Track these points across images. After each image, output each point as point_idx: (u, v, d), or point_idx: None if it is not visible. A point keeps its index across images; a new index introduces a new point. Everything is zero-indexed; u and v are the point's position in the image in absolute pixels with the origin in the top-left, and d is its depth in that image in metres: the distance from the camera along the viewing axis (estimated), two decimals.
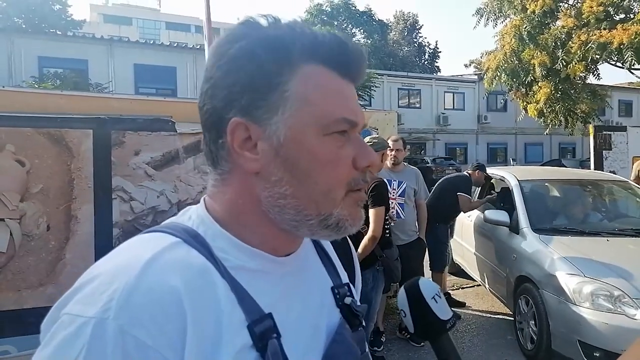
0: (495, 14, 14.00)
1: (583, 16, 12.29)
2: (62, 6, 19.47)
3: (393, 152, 4.02)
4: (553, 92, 13.49)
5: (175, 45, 19.47)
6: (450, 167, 18.01)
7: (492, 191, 5.52)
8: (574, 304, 3.27)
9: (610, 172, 6.64)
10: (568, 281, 3.38)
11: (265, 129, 0.55)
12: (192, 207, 0.62)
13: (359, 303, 0.71)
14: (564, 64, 12.38)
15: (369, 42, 33.31)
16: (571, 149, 29.03)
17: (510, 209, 4.48)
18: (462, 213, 5.08)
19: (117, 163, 2.83)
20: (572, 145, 28.71)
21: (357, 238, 3.40)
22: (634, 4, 12.36)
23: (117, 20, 36.84)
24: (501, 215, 4.40)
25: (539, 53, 12.96)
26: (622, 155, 7.38)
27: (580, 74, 13.23)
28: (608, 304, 3.17)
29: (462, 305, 4.98)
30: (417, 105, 25.34)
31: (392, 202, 3.94)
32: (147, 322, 0.47)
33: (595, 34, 11.76)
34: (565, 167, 13.99)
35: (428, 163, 19.17)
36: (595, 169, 7.05)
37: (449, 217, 4.86)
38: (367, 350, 0.70)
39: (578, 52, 12.00)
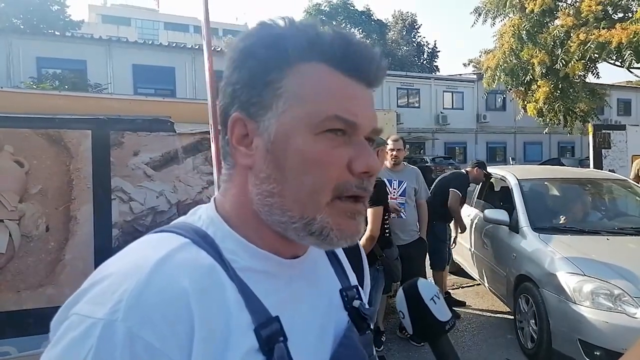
0: (493, 13, 14.00)
1: (582, 15, 12.29)
2: (61, 7, 19.42)
3: (394, 152, 4.02)
4: (552, 91, 13.49)
5: (174, 45, 19.45)
6: (450, 167, 17.97)
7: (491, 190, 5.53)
8: (574, 303, 3.27)
9: (609, 170, 6.64)
10: (568, 280, 3.38)
11: (259, 125, 0.56)
12: (202, 207, 0.62)
13: (367, 306, 0.70)
14: (564, 63, 12.38)
15: (368, 42, 33.25)
16: (570, 148, 29.05)
17: (510, 208, 4.47)
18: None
19: (116, 163, 2.82)
20: (571, 144, 28.72)
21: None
22: (632, 3, 12.36)
23: (115, 20, 36.81)
24: (501, 215, 4.40)
25: (538, 52, 12.96)
26: (621, 153, 7.39)
27: (580, 73, 13.23)
28: (608, 302, 3.17)
29: (462, 304, 4.98)
30: (416, 105, 25.34)
31: (393, 202, 3.94)
32: (155, 324, 0.46)
33: (594, 33, 11.76)
34: (565, 166, 14.00)
35: (427, 162, 19.15)
36: (594, 168, 7.06)
37: (445, 215, 4.80)
38: (374, 353, 0.69)
39: (577, 51, 12.00)
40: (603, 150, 7.39)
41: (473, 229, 5.19)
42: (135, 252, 0.54)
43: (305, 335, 0.58)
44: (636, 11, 11.56)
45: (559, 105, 13.83)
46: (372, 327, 0.70)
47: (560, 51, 12.56)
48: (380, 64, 0.58)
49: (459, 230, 5.02)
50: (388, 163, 4.07)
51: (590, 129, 7.61)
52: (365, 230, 2.95)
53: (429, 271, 4.77)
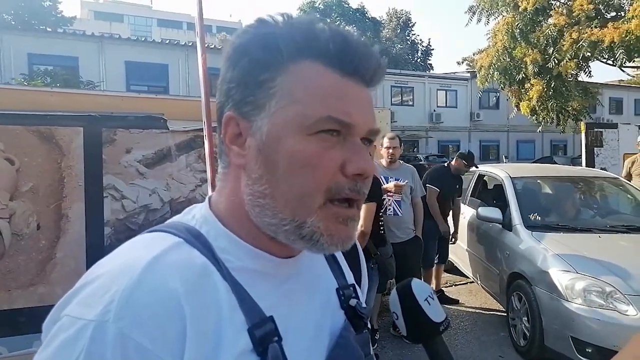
0: (487, 11, 14.03)
1: (574, 14, 12.35)
2: (52, 3, 19.26)
3: (390, 150, 4.03)
4: (545, 89, 13.55)
5: (167, 42, 19.33)
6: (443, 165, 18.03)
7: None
8: (567, 300, 3.29)
9: (601, 169, 6.69)
10: (560, 278, 3.40)
11: (252, 124, 0.55)
12: (197, 206, 0.62)
13: (364, 305, 0.69)
14: (556, 61, 12.44)
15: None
16: (562, 146, 29.25)
17: (503, 206, 4.49)
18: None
19: (108, 161, 2.79)
20: (563, 143, 28.92)
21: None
22: (624, 2, 12.44)
23: (108, 17, 36.56)
24: (494, 212, 4.42)
25: (531, 51, 13.01)
26: (613, 152, 7.44)
27: (572, 72, 13.30)
28: (600, 300, 3.20)
29: (455, 302, 4.99)
30: (410, 103, 25.39)
31: (389, 200, 3.94)
32: (146, 325, 0.46)
33: (586, 32, 11.82)
34: (557, 164, 14.09)
35: (421, 160, 19.20)
36: (586, 166, 7.10)
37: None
38: (371, 352, 0.69)
39: (570, 50, 12.06)
40: (595, 148, 7.44)
41: (466, 227, 5.21)
42: (127, 252, 0.54)
43: (301, 335, 0.57)
44: (628, 10, 11.63)
45: (552, 104, 13.90)
46: (369, 326, 0.69)
47: (553, 50, 12.62)
48: (380, 62, 0.57)
49: (452, 228, 5.02)
50: (384, 161, 4.08)
51: (583, 127, 7.65)
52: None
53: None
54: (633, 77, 29.85)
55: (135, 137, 2.93)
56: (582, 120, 12.46)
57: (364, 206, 3.22)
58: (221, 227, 0.57)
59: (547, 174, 5.46)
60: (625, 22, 11.29)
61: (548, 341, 3.44)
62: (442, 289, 5.21)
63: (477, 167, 5.22)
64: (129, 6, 40.15)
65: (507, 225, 4.27)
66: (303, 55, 0.54)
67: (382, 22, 37.99)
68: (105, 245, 2.65)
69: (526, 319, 3.71)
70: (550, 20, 13.13)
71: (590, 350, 3.13)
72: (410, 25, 39.34)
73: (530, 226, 4.08)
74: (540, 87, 13.40)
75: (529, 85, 13.88)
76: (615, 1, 12.37)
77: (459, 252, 5.44)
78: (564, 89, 13.64)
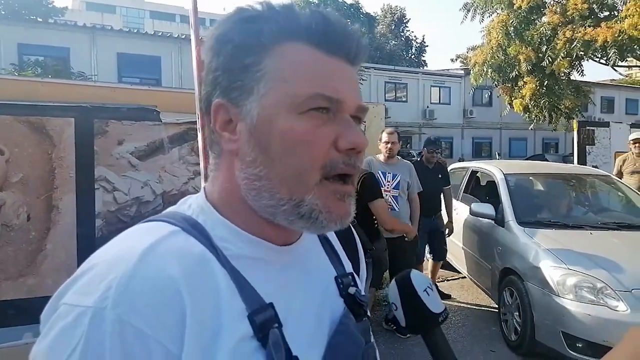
0: (482, 9, 14.05)
1: (568, 13, 12.41)
2: None
3: (389, 145, 4.02)
4: (538, 87, 13.62)
5: (159, 34, 19.15)
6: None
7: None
8: (558, 296, 3.31)
9: (593, 166, 6.73)
10: (552, 273, 3.43)
11: (241, 109, 0.55)
12: (192, 196, 0.62)
13: (363, 293, 0.70)
14: (550, 60, 12.50)
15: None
16: (554, 144, 29.46)
17: (496, 202, 4.51)
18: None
19: (100, 152, 2.76)
20: (555, 141, 29.13)
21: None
22: (617, 2, 12.51)
23: (99, 8, 36.13)
24: (487, 208, 4.44)
25: (524, 48, 13.06)
26: (605, 150, 7.49)
27: (565, 70, 13.38)
28: (591, 295, 3.22)
29: (447, 297, 5.02)
30: (404, 99, 25.41)
31: (386, 195, 3.94)
32: (145, 311, 0.46)
33: (580, 31, 11.88)
34: (548, 161, 14.18)
35: (414, 157, 19.25)
36: (578, 164, 7.15)
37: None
38: (372, 340, 0.68)
39: (563, 48, 12.12)
40: (587, 146, 7.49)
41: (459, 223, 5.22)
42: (123, 241, 0.54)
43: (301, 322, 0.58)
44: (621, 10, 11.70)
45: (545, 102, 13.99)
46: (368, 314, 0.69)
47: (546, 48, 12.67)
48: (360, 40, 0.57)
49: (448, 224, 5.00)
50: (382, 156, 4.07)
51: (575, 125, 7.70)
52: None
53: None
54: (625, 76, 30.11)
55: (128, 129, 2.89)
56: (574, 119, 12.54)
57: (376, 204, 3.35)
58: (218, 216, 0.57)
59: (540, 171, 5.49)
60: (618, 22, 11.36)
61: (539, 336, 3.47)
62: (435, 284, 5.23)
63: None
64: None
65: (500, 221, 4.28)
66: (286, 36, 0.54)
67: (377, 18, 37.94)
68: (97, 237, 2.62)
69: (517, 314, 3.73)
70: (544, 19, 13.18)
71: (580, 345, 3.16)
72: (404, 21, 39.33)
73: (522, 222, 4.10)
74: (534, 85, 13.47)
75: (522, 83, 13.95)
76: (608, 1, 12.43)
77: (452, 248, 5.46)
78: (556, 87, 13.73)
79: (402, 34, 39.13)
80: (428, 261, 5.09)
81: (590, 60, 13.28)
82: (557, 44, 12.30)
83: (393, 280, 0.78)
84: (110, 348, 0.44)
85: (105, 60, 17.23)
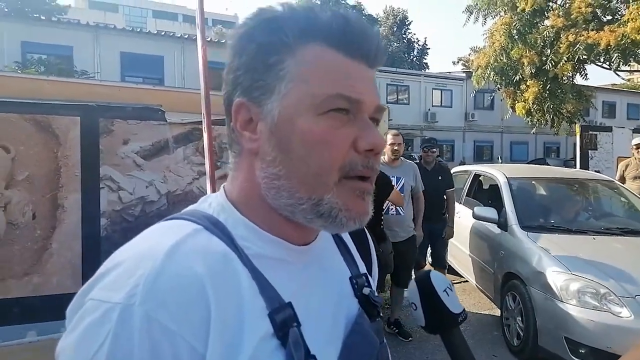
0: (485, 11, 14.04)
1: (572, 16, 12.41)
2: None
3: (394, 146, 4.00)
4: (541, 91, 13.61)
5: (163, 34, 19.16)
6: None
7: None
8: (561, 301, 3.31)
9: (595, 171, 6.73)
10: (555, 278, 3.42)
11: (263, 109, 0.56)
12: (212, 195, 0.62)
13: (376, 294, 0.71)
14: (553, 63, 12.50)
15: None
16: (555, 148, 29.44)
17: (499, 206, 4.50)
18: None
19: (106, 152, 2.75)
20: (556, 145, 29.11)
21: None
22: (620, 6, 12.50)
23: (102, 6, 36.18)
24: (490, 212, 4.43)
25: (528, 52, 13.05)
26: (607, 155, 7.50)
27: (568, 74, 13.37)
28: (594, 301, 3.22)
29: None
30: (405, 102, 25.40)
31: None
32: (172, 308, 0.47)
33: (583, 35, 11.89)
34: (550, 166, 14.16)
35: (415, 159, 19.25)
36: (581, 169, 7.15)
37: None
38: (384, 341, 0.69)
39: (566, 52, 12.12)
40: (590, 151, 7.50)
41: (461, 226, 5.22)
42: (148, 239, 0.54)
43: (318, 322, 0.58)
44: (624, 14, 11.70)
45: (548, 106, 13.97)
46: (381, 314, 0.70)
47: (549, 52, 12.67)
48: (379, 43, 0.58)
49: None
50: (386, 157, 4.06)
51: (578, 130, 7.71)
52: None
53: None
54: (627, 81, 30.10)
55: (133, 128, 2.88)
56: (576, 123, 12.55)
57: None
58: (238, 215, 0.58)
59: (543, 175, 5.49)
60: (621, 26, 11.36)
61: (542, 341, 3.46)
62: None
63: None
64: None
65: (503, 225, 4.28)
66: (308, 37, 0.55)
67: (379, 19, 37.95)
68: (101, 237, 2.61)
69: (520, 318, 3.72)
70: (548, 22, 13.17)
71: (583, 351, 3.15)
72: (406, 23, 39.35)
73: (525, 227, 4.10)
74: (537, 89, 13.45)
75: (524, 86, 13.94)
76: (612, 5, 12.43)
77: (454, 251, 5.45)
78: (559, 91, 13.71)
79: (404, 36, 39.17)
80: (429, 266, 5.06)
81: (592, 64, 13.27)
82: (560, 47, 12.29)
83: (413, 281, 0.79)
84: (138, 344, 0.45)
85: (108, 59, 17.23)
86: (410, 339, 4.01)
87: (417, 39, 40.38)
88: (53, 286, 2.46)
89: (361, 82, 0.56)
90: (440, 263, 4.81)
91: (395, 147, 4.01)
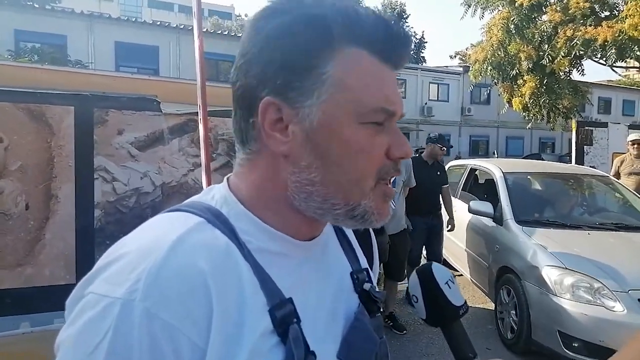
0: (483, 4, 13.99)
1: (569, 11, 12.39)
2: None
3: None
4: (538, 86, 13.61)
5: (158, 23, 19.00)
6: None
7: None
8: (555, 295, 3.33)
9: (590, 167, 6.76)
10: (549, 273, 3.44)
11: (298, 111, 0.53)
12: (216, 186, 0.61)
13: (377, 289, 0.70)
14: (550, 58, 12.49)
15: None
16: (551, 143, 29.54)
17: (495, 200, 4.51)
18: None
19: (100, 142, 2.72)
20: (551, 140, 29.21)
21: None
22: (618, 1, 12.49)
23: None
24: (485, 206, 4.44)
25: (525, 46, 13.03)
26: (603, 151, 7.53)
27: (565, 70, 13.37)
28: (588, 295, 3.24)
29: None
30: (402, 95, 25.23)
31: None
32: (174, 304, 0.46)
33: (580, 30, 11.88)
34: (545, 161, 14.21)
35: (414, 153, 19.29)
36: (576, 164, 7.17)
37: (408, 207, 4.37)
38: (384, 337, 0.69)
39: (563, 47, 12.11)
40: (585, 146, 7.52)
41: (457, 221, 5.22)
42: (150, 231, 0.54)
43: (317, 317, 0.58)
44: (622, 10, 11.69)
45: (544, 101, 13.98)
46: (382, 310, 0.70)
47: (547, 47, 12.66)
48: (411, 47, 0.59)
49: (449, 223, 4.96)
50: None
51: (574, 125, 7.72)
52: None
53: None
54: (623, 77, 30.17)
55: (128, 119, 2.85)
56: (571, 119, 12.56)
57: None
58: (242, 209, 0.57)
59: (538, 170, 5.50)
60: (618, 22, 11.36)
61: (535, 335, 3.49)
62: None
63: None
64: None
65: (498, 219, 4.29)
66: (351, 41, 0.53)
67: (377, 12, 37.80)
68: (95, 228, 2.59)
69: (514, 312, 3.75)
70: (545, 17, 13.15)
71: (577, 345, 3.18)
72: (404, 17, 39.18)
73: (521, 221, 4.11)
74: (533, 84, 13.45)
75: (521, 81, 13.93)
76: (610, 0, 12.41)
77: (448, 245, 5.47)
78: (556, 86, 13.71)
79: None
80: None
81: (589, 59, 13.27)
82: (557, 42, 12.28)
83: (414, 273, 0.79)
84: (138, 340, 0.45)
85: (102, 48, 17.07)
86: (404, 332, 4.03)
87: (414, 32, 40.26)
88: (46, 277, 2.44)
89: (395, 92, 0.57)
90: (436, 259, 4.80)
91: None
